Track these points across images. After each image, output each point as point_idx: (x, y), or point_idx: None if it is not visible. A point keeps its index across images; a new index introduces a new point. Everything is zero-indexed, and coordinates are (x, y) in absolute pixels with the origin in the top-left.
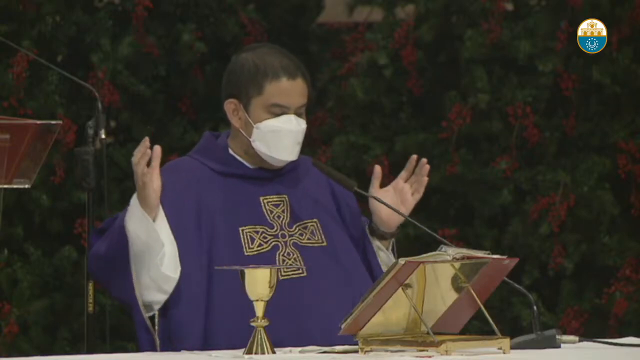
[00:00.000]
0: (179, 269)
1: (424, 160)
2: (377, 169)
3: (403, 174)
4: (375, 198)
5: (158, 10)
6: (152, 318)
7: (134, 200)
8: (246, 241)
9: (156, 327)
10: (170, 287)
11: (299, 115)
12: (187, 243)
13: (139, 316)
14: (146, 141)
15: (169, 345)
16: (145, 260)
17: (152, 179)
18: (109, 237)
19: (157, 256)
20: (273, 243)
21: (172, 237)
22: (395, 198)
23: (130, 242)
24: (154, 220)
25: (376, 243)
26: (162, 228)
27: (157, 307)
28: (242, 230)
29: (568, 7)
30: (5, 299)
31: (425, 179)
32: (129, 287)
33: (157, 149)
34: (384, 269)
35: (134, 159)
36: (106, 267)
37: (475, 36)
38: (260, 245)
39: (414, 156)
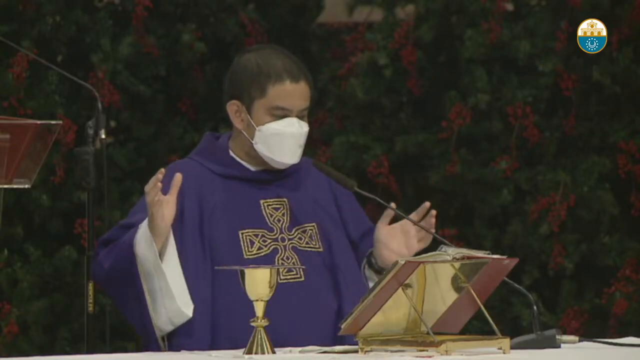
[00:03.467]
0: (192, 307)
1: (429, 207)
2: (389, 211)
3: (414, 216)
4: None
5: (158, 10)
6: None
7: (145, 223)
8: (246, 244)
9: (165, 342)
10: (180, 322)
11: (301, 118)
12: (190, 246)
13: (151, 335)
14: (161, 173)
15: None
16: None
17: (161, 209)
18: (115, 252)
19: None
20: (273, 246)
21: (180, 269)
22: (401, 239)
23: (139, 263)
24: (163, 249)
25: (369, 274)
26: (170, 260)
27: (163, 332)
28: (242, 233)
29: (568, 7)
30: (5, 299)
31: (432, 231)
32: (140, 308)
33: (178, 177)
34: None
35: (146, 188)
36: (112, 282)
37: (475, 36)
38: (260, 248)
39: (427, 203)
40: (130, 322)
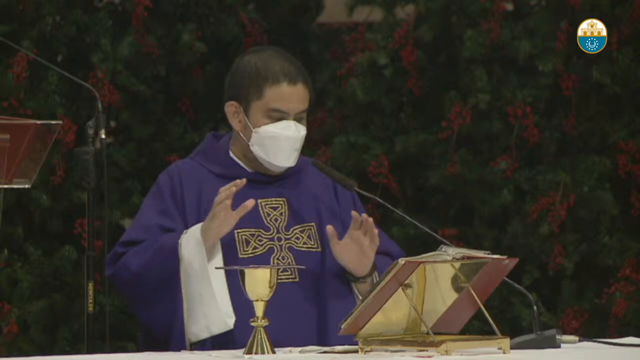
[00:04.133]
0: (234, 318)
1: (365, 216)
2: (330, 229)
3: (354, 224)
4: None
5: (158, 10)
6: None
7: (195, 228)
8: (241, 244)
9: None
10: (218, 331)
11: (298, 120)
12: None
13: (176, 340)
14: (242, 183)
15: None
16: (198, 291)
17: (227, 218)
18: (150, 253)
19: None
20: (268, 246)
21: (224, 279)
22: (355, 248)
23: (182, 266)
24: (208, 256)
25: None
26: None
27: (197, 339)
28: (238, 233)
29: (568, 7)
30: (5, 299)
31: (375, 231)
32: (171, 312)
33: (250, 203)
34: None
35: (222, 189)
36: (141, 283)
37: (475, 36)
38: (255, 248)
39: (354, 213)
40: (145, 324)
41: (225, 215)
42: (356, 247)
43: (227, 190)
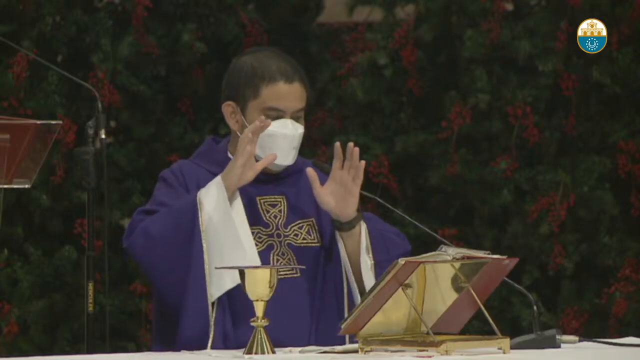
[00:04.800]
0: (259, 263)
1: (351, 144)
2: (310, 171)
3: (336, 162)
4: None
5: (158, 10)
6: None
7: (217, 179)
8: None
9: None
10: (243, 262)
11: (296, 119)
12: None
13: (193, 303)
14: (267, 124)
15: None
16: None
17: (251, 160)
18: (172, 212)
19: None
20: (268, 242)
21: (247, 224)
22: (339, 189)
23: (203, 216)
24: (231, 201)
25: (340, 235)
26: (239, 214)
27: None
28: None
29: (568, 7)
30: (5, 299)
31: (362, 163)
32: (189, 270)
33: (272, 156)
34: (348, 268)
35: (247, 130)
36: (160, 245)
37: (475, 36)
38: (255, 244)
39: (337, 143)
40: (160, 291)
41: (251, 151)
42: (340, 188)
43: (253, 125)
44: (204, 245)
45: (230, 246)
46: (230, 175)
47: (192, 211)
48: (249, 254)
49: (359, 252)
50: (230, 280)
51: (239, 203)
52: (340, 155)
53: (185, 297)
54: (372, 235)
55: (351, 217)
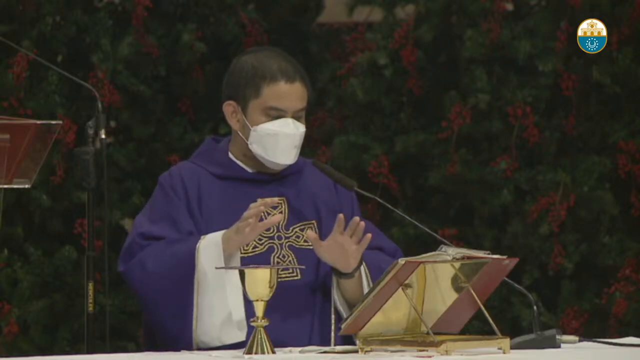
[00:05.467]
0: (246, 329)
1: (356, 219)
2: (310, 234)
3: (336, 229)
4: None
5: (158, 10)
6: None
7: (215, 235)
8: None
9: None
10: (230, 342)
11: (297, 118)
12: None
13: (181, 342)
14: (272, 202)
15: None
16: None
17: (251, 232)
18: (168, 255)
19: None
20: (268, 245)
21: (241, 290)
22: (340, 252)
23: (198, 274)
24: (228, 262)
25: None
26: (232, 278)
27: (206, 347)
28: None
29: (568, 7)
30: (5, 299)
31: (368, 236)
32: (180, 316)
33: (277, 218)
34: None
35: (252, 205)
36: (155, 284)
37: (475, 36)
38: (255, 247)
39: (341, 215)
40: (151, 324)
41: (251, 229)
42: (340, 249)
43: (256, 208)
44: (195, 299)
45: (216, 313)
46: (230, 244)
47: (189, 261)
48: (235, 320)
49: (359, 293)
50: (217, 340)
51: (237, 260)
52: (342, 225)
53: (176, 337)
54: (371, 272)
55: (352, 269)
